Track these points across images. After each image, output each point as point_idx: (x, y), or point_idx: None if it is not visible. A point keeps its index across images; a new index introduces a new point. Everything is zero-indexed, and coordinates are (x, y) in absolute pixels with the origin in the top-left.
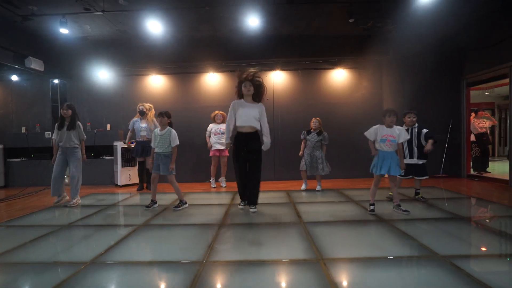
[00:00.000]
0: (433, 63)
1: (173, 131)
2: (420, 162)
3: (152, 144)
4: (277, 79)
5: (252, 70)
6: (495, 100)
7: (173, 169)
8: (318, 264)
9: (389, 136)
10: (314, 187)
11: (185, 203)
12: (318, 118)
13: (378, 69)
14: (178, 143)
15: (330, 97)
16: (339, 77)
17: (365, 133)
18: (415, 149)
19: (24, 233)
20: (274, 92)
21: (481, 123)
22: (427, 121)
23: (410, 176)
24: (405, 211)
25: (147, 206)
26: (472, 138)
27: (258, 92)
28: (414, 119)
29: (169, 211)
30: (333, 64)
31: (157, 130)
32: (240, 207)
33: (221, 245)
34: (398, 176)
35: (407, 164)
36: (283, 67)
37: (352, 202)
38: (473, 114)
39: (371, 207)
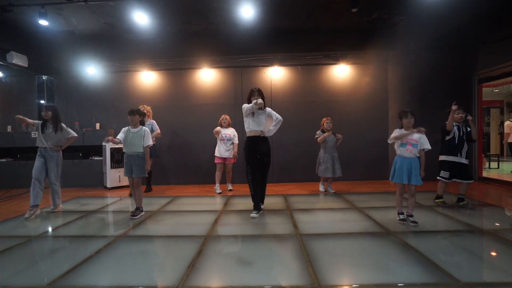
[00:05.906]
0: (442, 58)
1: (147, 130)
2: (465, 161)
3: (123, 145)
4: (276, 75)
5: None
6: (504, 98)
7: (148, 169)
8: None
9: (410, 139)
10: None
11: (142, 210)
12: (330, 118)
13: (383, 65)
14: (151, 143)
15: (331, 94)
16: (341, 73)
17: (389, 140)
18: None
19: None
20: (272, 89)
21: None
22: (435, 120)
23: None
24: (414, 222)
25: (133, 214)
26: None
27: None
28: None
29: (152, 219)
30: (335, 59)
31: (129, 128)
32: (253, 215)
33: (203, 263)
34: (442, 180)
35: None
36: (282, 63)
37: (354, 209)
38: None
39: (401, 216)
